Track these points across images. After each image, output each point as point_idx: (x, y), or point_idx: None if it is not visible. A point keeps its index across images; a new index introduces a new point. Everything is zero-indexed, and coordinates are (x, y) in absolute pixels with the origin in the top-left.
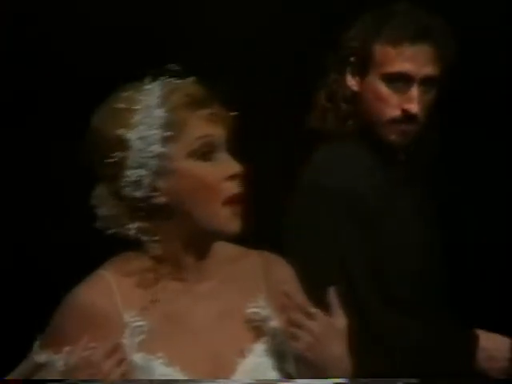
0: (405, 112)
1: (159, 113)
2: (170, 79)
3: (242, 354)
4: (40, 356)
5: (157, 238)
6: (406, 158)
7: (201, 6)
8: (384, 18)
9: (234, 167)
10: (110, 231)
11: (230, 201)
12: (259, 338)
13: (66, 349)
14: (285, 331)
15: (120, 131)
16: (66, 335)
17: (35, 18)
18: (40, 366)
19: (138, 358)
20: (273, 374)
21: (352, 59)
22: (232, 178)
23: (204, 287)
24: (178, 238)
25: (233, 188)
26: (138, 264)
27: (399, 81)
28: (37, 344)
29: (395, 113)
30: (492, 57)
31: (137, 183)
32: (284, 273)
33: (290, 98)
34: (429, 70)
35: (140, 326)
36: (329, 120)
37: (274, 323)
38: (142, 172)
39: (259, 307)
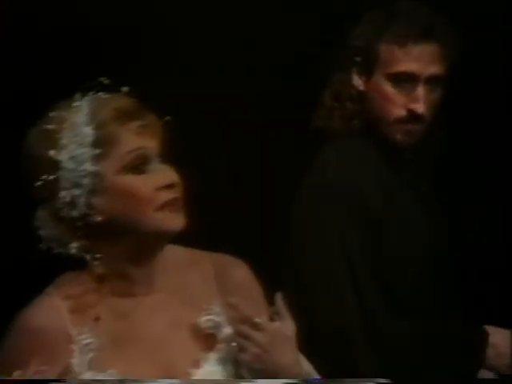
0: (411, 112)
1: (87, 130)
2: (98, 94)
3: (196, 364)
4: None
5: (99, 255)
6: (412, 157)
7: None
8: (389, 17)
9: (168, 177)
10: (54, 251)
11: (164, 206)
12: (213, 346)
13: (16, 373)
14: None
15: (51, 152)
16: (15, 359)
17: None
18: None
19: (88, 376)
20: (229, 370)
21: (357, 59)
22: (166, 188)
23: (154, 300)
24: (121, 254)
25: (167, 195)
26: (82, 283)
27: (405, 80)
28: None
29: (401, 112)
30: (498, 56)
31: (72, 203)
32: (240, 275)
33: (291, 97)
34: (434, 69)
35: (88, 344)
36: (334, 119)
37: (228, 329)
38: (77, 191)
39: (213, 314)
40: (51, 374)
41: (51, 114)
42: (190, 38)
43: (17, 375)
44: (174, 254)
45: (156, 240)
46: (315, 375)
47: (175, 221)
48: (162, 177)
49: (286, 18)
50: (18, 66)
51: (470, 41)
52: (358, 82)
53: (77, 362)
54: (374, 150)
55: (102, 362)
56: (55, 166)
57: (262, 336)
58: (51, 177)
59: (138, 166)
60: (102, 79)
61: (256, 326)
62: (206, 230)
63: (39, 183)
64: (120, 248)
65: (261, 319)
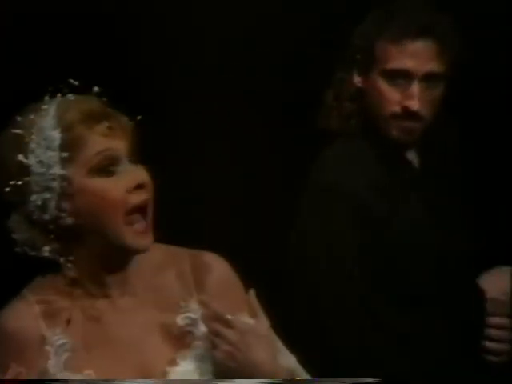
0: (405, 109)
1: (55, 134)
2: (66, 96)
3: (172, 362)
4: None
5: (71, 258)
6: (419, 158)
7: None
8: (386, 16)
9: (138, 177)
10: (28, 254)
11: (135, 211)
12: (190, 344)
13: None
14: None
15: (19, 157)
16: None
17: None
18: None
19: (64, 376)
20: (207, 368)
21: (358, 57)
22: (137, 188)
23: (128, 301)
24: (93, 257)
25: (137, 197)
26: (55, 286)
27: (400, 77)
28: None
29: (396, 109)
30: (498, 56)
31: (43, 207)
32: (219, 271)
33: (291, 97)
34: (431, 66)
35: (63, 345)
36: (333, 119)
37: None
38: (47, 195)
39: (190, 311)
40: (29, 376)
41: (19, 118)
42: (190, 38)
43: None
44: (150, 253)
45: (125, 252)
46: (300, 371)
47: (142, 241)
48: (132, 178)
49: (285, 18)
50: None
51: (470, 41)
52: (357, 79)
53: (52, 363)
54: (372, 149)
55: (78, 362)
56: (25, 170)
57: (233, 333)
58: (21, 181)
59: (106, 167)
60: (70, 80)
61: (227, 324)
62: (203, 229)
63: (9, 188)
64: (92, 251)
65: (233, 316)
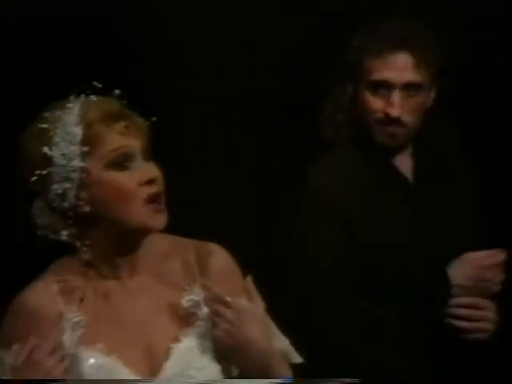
0: (387, 115)
1: (77, 130)
2: (89, 97)
3: (176, 339)
4: None
5: (87, 242)
6: (414, 161)
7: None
8: (371, 32)
9: (150, 173)
10: (49, 237)
11: (149, 201)
12: (194, 324)
13: (14, 347)
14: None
15: (44, 149)
16: (13, 335)
17: None
18: None
19: (78, 350)
20: (206, 356)
21: (348, 71)
22: (148, 182)
23: (137, 283)
24: (107, 241)
25: (149, 190)
26: (72, 267)
27: (382, 88)
28: None
29: (379, 116)
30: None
31: (63, 195)
32: (220, 260)
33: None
34: (409, 76)
35: (79, 322)
36: (329, 129)
37: (207, 308)
38: (67, 185)
39: (194, 294)
40: (45, 349)
41: (46, 114)
42: (190, 38)
43: (15, 349)
44: (158, 241)
45: (139, 234)
46: (293, 353)
47: (158, 220)
48: (144, 173)
49: (285, 18)
50: (18, 66)
51: (470, 41)
52: (349, 91)
53: (67, 338)
54: (361, 154)
55: (90, 338)
56: (48, 161)
57: (231, 313)
58: (44, 171)
59: (121, 162)
60: (94, 83)
61: (226, 304)
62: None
63: (34, 178)
64: (106, 236)
65: (231, 298)
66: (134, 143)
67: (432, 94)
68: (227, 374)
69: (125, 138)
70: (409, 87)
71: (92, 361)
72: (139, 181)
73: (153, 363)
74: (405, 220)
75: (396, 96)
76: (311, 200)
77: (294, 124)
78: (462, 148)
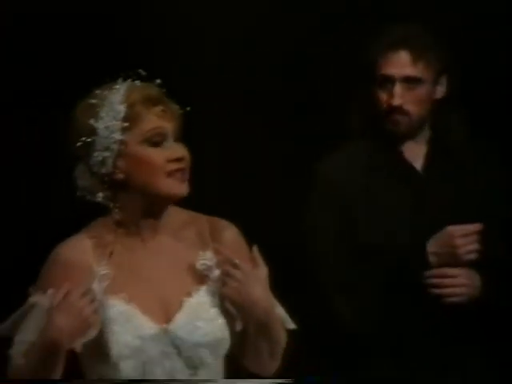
0: (389, 105)
1: (120, 108)
2: (134, 82)
3: (188, 294)
4: (33, 298)
5: (118, 204)
6: (428, 149)
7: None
8: (383, 35)
9: (178, 152)
10: (86, 198)
11: (173, 173)
12: (205, 283)
13: (50, 291)
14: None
15: (91, 121)
16: (49, 281)
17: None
18: (32, 306)
19: (104, 298)
20: (214, 311)
21: (369, 72)
22: (176, 160)
23: (158, 243)
24: (135, 205)
25: (175, 166)
26: (105, 225)
27: (387, 82)
28: (30, 290)
29: (385, 107)
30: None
31: (102, 162)
32: (231, 234)
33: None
34: (408, 71)
35: (106, 274)
36: (353, 122)
37: (218, 271)
38: (106, 154)
39: (207, 259)
40: (78, 292)
41: (96, 91)
42: (190, 38)
43: (50, 293)
44: (177, 213)
45: (164, 200)
46: (288, 320)
47: (181, 188)
48: (173, 151)
49: (286, 18)
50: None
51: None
52: (368, 89)
53: (96, 286)
54: (369, 144)
55: (115, 288)
56: (93, 131)
57: (240, 273)
58: (89, 140)
59: (155, 141)
60: (139, 71)
61: (235, 266)
62: None
63: (79, 144)
64: (134, 201)
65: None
66: (168, 125)
67: (440, 88)
68: (231, 328)
69: (160, 120)
70: (409, 80)
71: (115, 308)
72: (168, 158)
73: (167, 313)
74: (406, 208)
75: (397, 88)
76: (316, 188)
77: (293, 123)
78: (473, 139)
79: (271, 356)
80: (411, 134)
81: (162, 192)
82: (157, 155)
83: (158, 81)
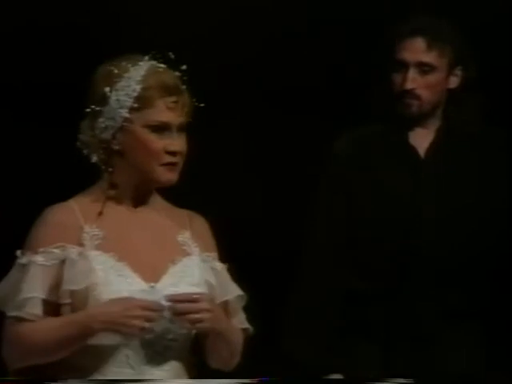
0: (402, 88)
1: (137, 87)
2: (158, 64)
3: (173, 262)
4: (23, 259)
5: (111, 169)
6: (437, 136)
7: None
8: (399, 26)
9: (177, 145)
10: (83, 152)
11: (165, 165)
12: (186, 256)
13: (41, 249)
14: (188, 324)
15: (106, 89)
16: (39, 241)
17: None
18: (25, 266)
19: (96, 253)
20: (195, 278)
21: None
22: (172, 153)
23: (147, 213)
24: (126, 175)
25: (170, 159)
26: (96, 191)
27: (401, 66)
28: (19, 253)
29: (399, 90)
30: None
31: (105, 128)
32: (202, 226)
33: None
34: (421, 57)
35: (97, 234)
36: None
37: (197, 249)
38: (110, 123)
39: (186, 238)
40: (69, 250)
41: (121, 62)
42: (191, 38)
43: (41, 251)
44: (161, 199)
45: (152, 182)
46: (244, 321)
47: (170, 177)
48: (172, 143)
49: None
50: None
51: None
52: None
53: (87, 244)
54: (379, 128)
55: (105, 247)
56: (105, 99)
57: (205, 303)
58: (99, 108)
59: (158, 129)
60: (169, 53)
61: (197, 299)
62: None
63: (91, 105)
64: (126, 172)
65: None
66: (175, 118)
67: (453, 79)
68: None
69: (169, 111)
70: (422, 66)
71: (107, 263)
72: (166, 148)
73: (154, 274)
74: (406, 194)
75: (410, 72)
76: (323, 173)
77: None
78: (484, 132)
79: (231, 354)
80: (422, 119)
81: (152, 176)
82: (155, 143)
83: (184, 67)
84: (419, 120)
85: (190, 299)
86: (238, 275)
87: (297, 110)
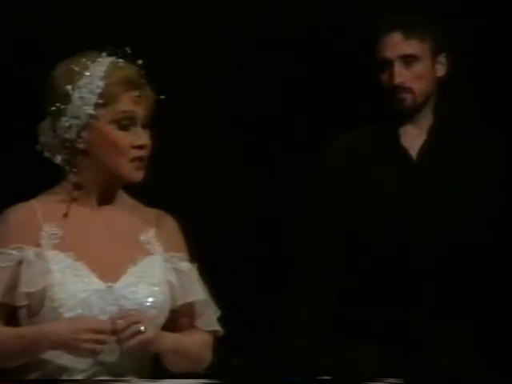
0: (392, 85)
1: (100, 83)
2: (118, 59)
3: (132, 261)
4: None
5: (75, 170)
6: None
7: None
8: (375, 26)
9: (143, 139)
10: (44, 155)
11: (133, 160)
12: (148, 255)
13: (1, 250)
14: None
15: (68, 87)
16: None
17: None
18: None
19: (53, 253)
20: (155, 278)
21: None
22: (139, 147)
23: (110, 212)
24: (91, 174)
25: (137, 153)
26: (58, 192)
27: (386, 64)
28: None
29: (388, 86)
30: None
31: (68, 128)
32: (172, 223)
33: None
34: (402, 49)
35: (55, 234)
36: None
37: (161, 248)
38: (75, 121)
39: (149, 237)
40: (26, 251)
41: (80, 58)
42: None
43: (1, 251)
44: (127, 197)
45: (119, 180)
46: (215, 325)
47: (137, 174)
48: (138, 138)
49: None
50: None
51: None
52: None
53: (44, 243)
54: (368, 132)
55: (64, 247)
56: (67, 98)
57: (143, 324)
58: (63, 106)
59: (124, 124)
60: (126, 48)
61: (138, 318)
62: None
63: (53, 107)
64: (92, 171)
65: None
66: (140, 111)
67: (440, 67)
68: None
69: (134, 105)
70: (405, 58)
71: (63, 262)
72: (132, 143)
73: (113, 274)
74: (394, 196)
75: (395, 67)
76: (315, 176)
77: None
78: (476, 128)
79: (194, 363)
80: (415, 114)
81: (119, 174)
82: (122, 139)
83: (140, 62)
84: (413, 115)
85: (130, 320)
86: (230, 276)
87: (284, 111)
